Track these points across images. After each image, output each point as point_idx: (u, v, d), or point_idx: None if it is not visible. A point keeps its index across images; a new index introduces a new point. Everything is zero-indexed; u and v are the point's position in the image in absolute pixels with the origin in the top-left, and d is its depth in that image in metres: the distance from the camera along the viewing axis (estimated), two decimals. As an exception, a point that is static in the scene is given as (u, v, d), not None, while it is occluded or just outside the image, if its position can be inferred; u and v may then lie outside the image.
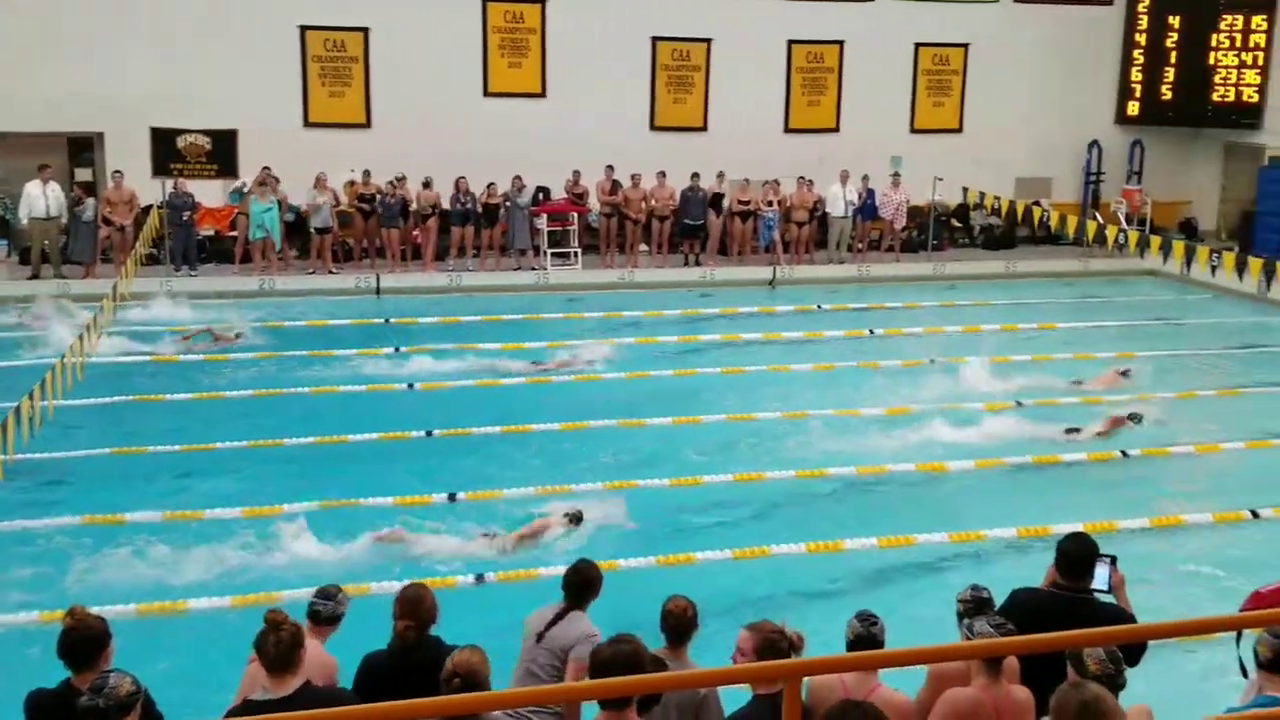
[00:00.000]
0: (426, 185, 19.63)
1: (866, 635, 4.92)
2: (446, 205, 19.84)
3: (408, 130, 20.39)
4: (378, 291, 18.79)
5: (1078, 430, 12.30)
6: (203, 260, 19.65)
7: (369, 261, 19.95)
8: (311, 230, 19.47)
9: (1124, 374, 14.41)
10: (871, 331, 16.75)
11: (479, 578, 8.64)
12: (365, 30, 20.82)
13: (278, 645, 4.52)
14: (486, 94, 21.40)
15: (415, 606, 5.14)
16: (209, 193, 19.84)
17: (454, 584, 8.44)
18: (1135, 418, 12.59)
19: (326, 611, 5.51)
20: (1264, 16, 22.47)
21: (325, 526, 9.34)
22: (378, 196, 19.48)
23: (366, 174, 19.57)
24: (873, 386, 13.98)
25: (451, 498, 10.24)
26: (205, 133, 18.78)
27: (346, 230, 20.13)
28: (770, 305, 18.68)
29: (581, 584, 5.68)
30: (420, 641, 5.11)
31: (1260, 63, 22.59)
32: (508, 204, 19.84)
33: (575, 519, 9.63)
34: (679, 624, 5.10)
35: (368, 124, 21.01)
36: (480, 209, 19.83)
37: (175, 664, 7.01)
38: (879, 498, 10.65)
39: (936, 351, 15.42)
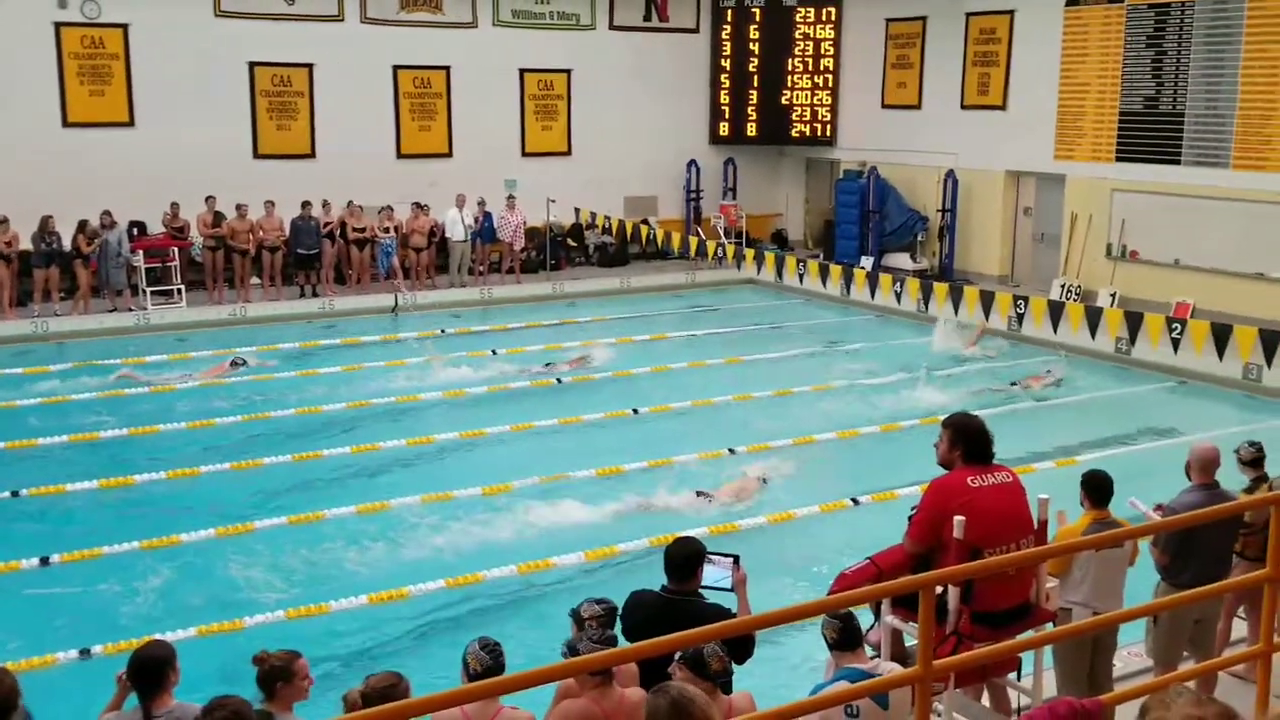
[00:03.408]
0: (2, 223, 17.82)
1: (491, 663, 4.89)
2: (27, 245, 18.08)
3: (-26, 165, 18.49)
4: (-53, 344, 16.87)
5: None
6: None
7: (-65, 311, 17.89)
8: None
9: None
10: (494, 352, 16.84)
11: (83, 651, 7.92)
12: (-85, 55, 18.68)
13: None
14: (66, 124, 19.71)
15: None
16: None
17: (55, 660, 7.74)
18: (764, 480, 11.49)
19: None
20: (831, 41, 24.69)
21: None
22: (-58, 238, 17.50)
23: (-74, 214, 17.51)
24: (500, 407, 14.09)
25: (44, 561, 9.42)
26: None
27: (-95, 278, 17.92)
28: (394, 333, 18.40)
29: (151, 666, 4.77)
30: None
31: (830, 84, 24.81)
32: (97, 241, 18.33)
33: (763, 480, 11.09)
34: (261, 675, 4.87)
35: (-75, 158, 18.85)
36: (73, 248, 18.23)
37: None
38: (516, 521, 10.54)
39: (559, 370, 15.82)
